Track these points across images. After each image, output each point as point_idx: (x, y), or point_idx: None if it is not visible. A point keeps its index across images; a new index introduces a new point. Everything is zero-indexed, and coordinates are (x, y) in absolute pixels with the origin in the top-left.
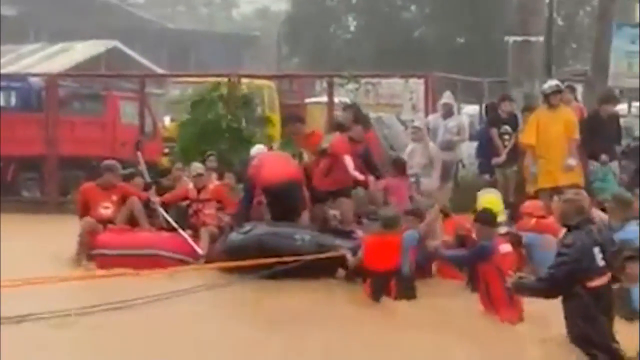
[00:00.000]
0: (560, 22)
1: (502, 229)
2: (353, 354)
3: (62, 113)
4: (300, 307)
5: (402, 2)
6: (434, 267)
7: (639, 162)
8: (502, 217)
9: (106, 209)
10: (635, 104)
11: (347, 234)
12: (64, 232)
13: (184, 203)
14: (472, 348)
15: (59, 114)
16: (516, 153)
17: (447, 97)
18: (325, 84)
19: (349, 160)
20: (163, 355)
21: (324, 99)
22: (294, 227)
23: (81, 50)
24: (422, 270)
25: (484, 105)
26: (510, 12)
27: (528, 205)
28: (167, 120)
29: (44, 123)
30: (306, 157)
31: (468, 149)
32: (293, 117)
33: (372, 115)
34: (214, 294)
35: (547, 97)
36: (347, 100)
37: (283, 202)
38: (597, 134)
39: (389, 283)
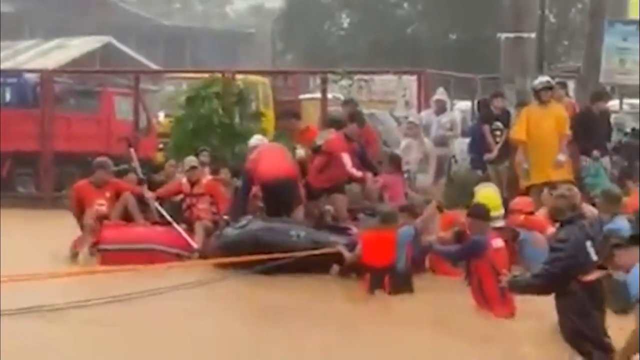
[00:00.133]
0: (552, 19)
1: (500, 223)
2: (350, 350)
3: (58, 109)
4: (295, 302)
5: None
6: (427, 262)
7: (629, 157)
8: (500, 211)
9: (101, 206)
10: (627, 100)
11: (342, 230)
12: (59, 228)
13: (178, 198)
14: (470, 344)
15: (54, 110)
16: (508, 149)
17: (440, 94)
18: (319, 80)
19: (347, 158)
20: (157, 350)
21: (318, 95)
22: (290, 223)
23: (76, 47)
24: (416, 266)
25: (476, 102)
26: (502, 9)
27: (517, 201)
28: (161, 116)
29: (39, 119)
30: (301, 152)
31: (460, 145)
32: (288, 112)
33: (365, 111)
34: (209, 288)
35: (537, 93)
36: (340, 96)
37: (278, 198)
38: (589, 131)
39: (385, 278)
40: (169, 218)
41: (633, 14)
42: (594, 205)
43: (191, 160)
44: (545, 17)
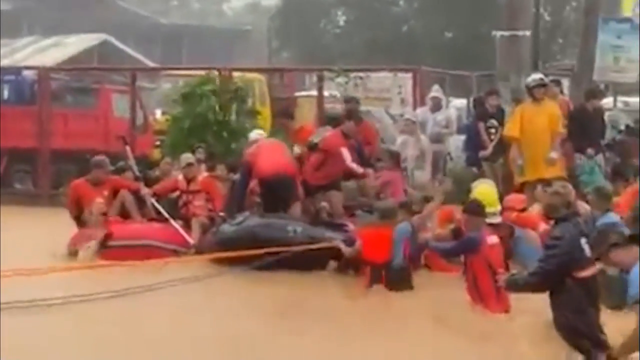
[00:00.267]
0: (547, 17)
1: (496, 219)
2: (347, 347)
3: (55, 106)
4: (292, 298)
5: None
6: (422, 258)
7: (621, 154)
8: (497, 208)
9: (100, 204)
10: (621, 98)
11: (339, 227)
12: (56, 225)
13: (174, 194)
14: (467, 340)
15: (51, 107)
16: (503, 146)
17: (435, 91)
18: (315, 78)
19: (346, 153)
20: (153, 344)
21: (314, 92)
22: (287, 219)
23: (74, 44)
24: (412, 262)
25: (471, 99)
26: (498, 7)
27: (510, 198)
28: (158, 113)
29: (36, 116)
30: (297, 149)
31: (456, 142)
32: (282, 112)
33: (362, 109)
34: (205, 284)
35: (530, 90)
36: (337, 93)
37: (277, 194)
38: (584, 128)
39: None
40: (165, 214)
41: (626, 12)
42: (588, 202)
43: (187, 157)
44: (540, 16)
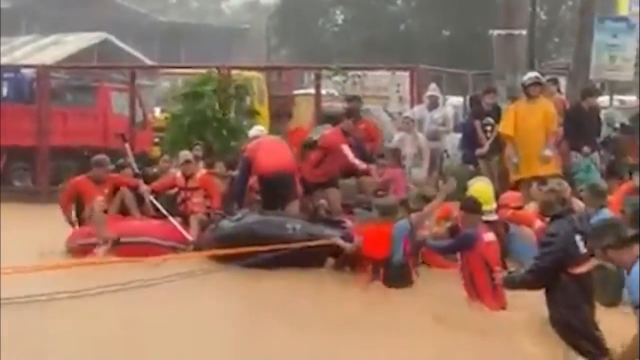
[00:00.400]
0: (543, 16)
1: (493, 216)
2: (345, 344)
3: (54, 104)
4: (290, 295)
5: None
6: (420, 255)
7: (616, 152)
8: (493, 205)
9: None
10: (617, 96)
11: (337, 224)
12: (55, 222)
13: (172, 191)
14: (466, 336)
15: (50, 105)
16: (499, 144)
17: (432, 89)
18: (313, 76)
19: (347, 150)
20: (151, 340)
21: (312, 90)
22: (285, 216)
23: (73, 42)
24: (412, 259)
25: (468, 98)
26: (494, 6)
27: (505, 196)
28: (157, 111)
29: (36, 114)
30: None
31: (452, 140)
32: (280, 113)
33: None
34: (203, 280)
35: (526, 88)
36: (334, 92)
37: (277, 191)
38: (579, 127)
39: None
40: (164, 211)
41: (622, 11)
42: (582, 200)
43: (185, 154)
44: (536, 15)
